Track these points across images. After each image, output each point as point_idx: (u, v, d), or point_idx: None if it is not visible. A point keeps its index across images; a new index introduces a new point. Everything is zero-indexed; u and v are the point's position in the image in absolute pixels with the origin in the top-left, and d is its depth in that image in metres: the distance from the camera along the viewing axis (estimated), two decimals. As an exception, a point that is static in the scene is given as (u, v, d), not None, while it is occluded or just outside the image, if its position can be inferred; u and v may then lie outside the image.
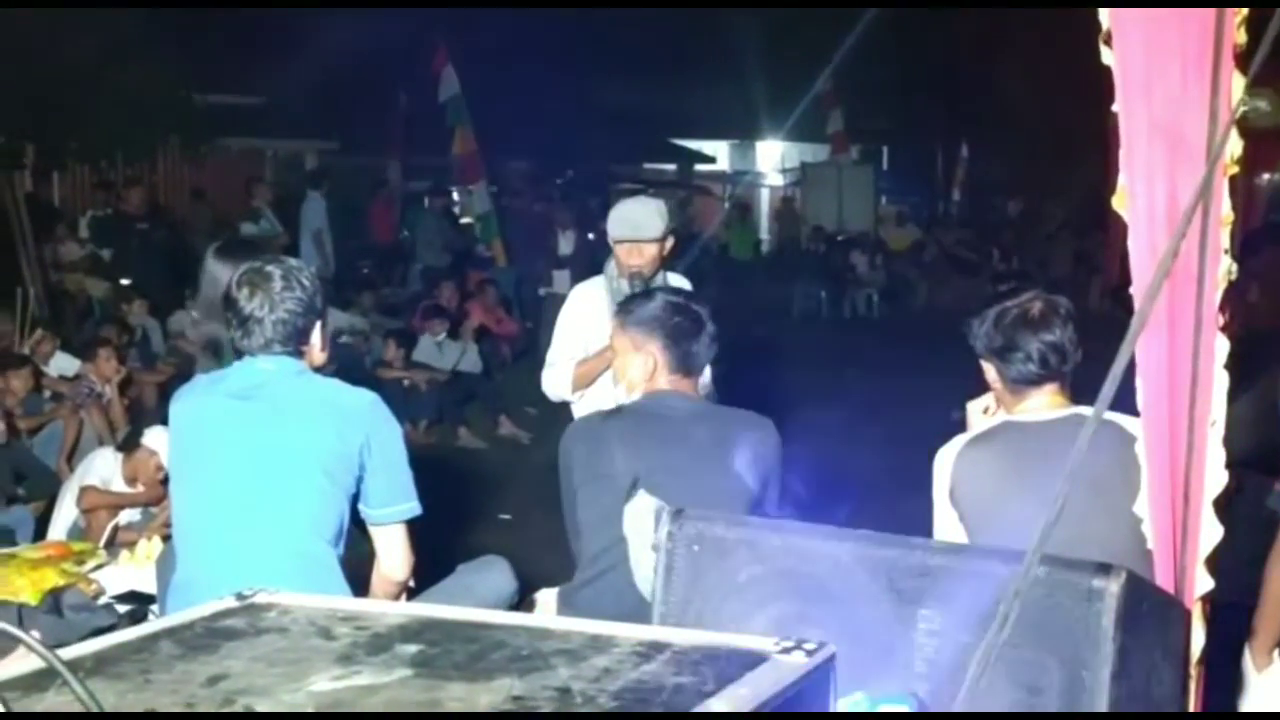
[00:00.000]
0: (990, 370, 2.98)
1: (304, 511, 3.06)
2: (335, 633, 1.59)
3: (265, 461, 3.06)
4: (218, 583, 2.13)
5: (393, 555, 3.20)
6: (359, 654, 1.50)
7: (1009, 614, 1.46)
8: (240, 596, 1.75)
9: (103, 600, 4.32)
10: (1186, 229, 1.93)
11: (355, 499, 3.15)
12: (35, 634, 1.18)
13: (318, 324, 3.21)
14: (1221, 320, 2.29)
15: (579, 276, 14.49)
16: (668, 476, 3.12)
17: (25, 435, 7.09)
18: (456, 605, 3.31)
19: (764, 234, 24.81)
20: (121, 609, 4.26)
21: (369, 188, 16.88)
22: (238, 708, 1.33)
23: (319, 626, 1.62)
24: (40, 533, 6.00)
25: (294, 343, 3.14)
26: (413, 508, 3.19)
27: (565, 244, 13.48)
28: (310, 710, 1.32)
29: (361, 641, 1.55)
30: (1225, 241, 2.26)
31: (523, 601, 3.58)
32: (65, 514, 5.89)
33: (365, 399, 3.18)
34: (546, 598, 3.51)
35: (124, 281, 10.90)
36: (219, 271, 3.98)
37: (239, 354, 3.19)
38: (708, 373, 3.48)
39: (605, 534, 3.19)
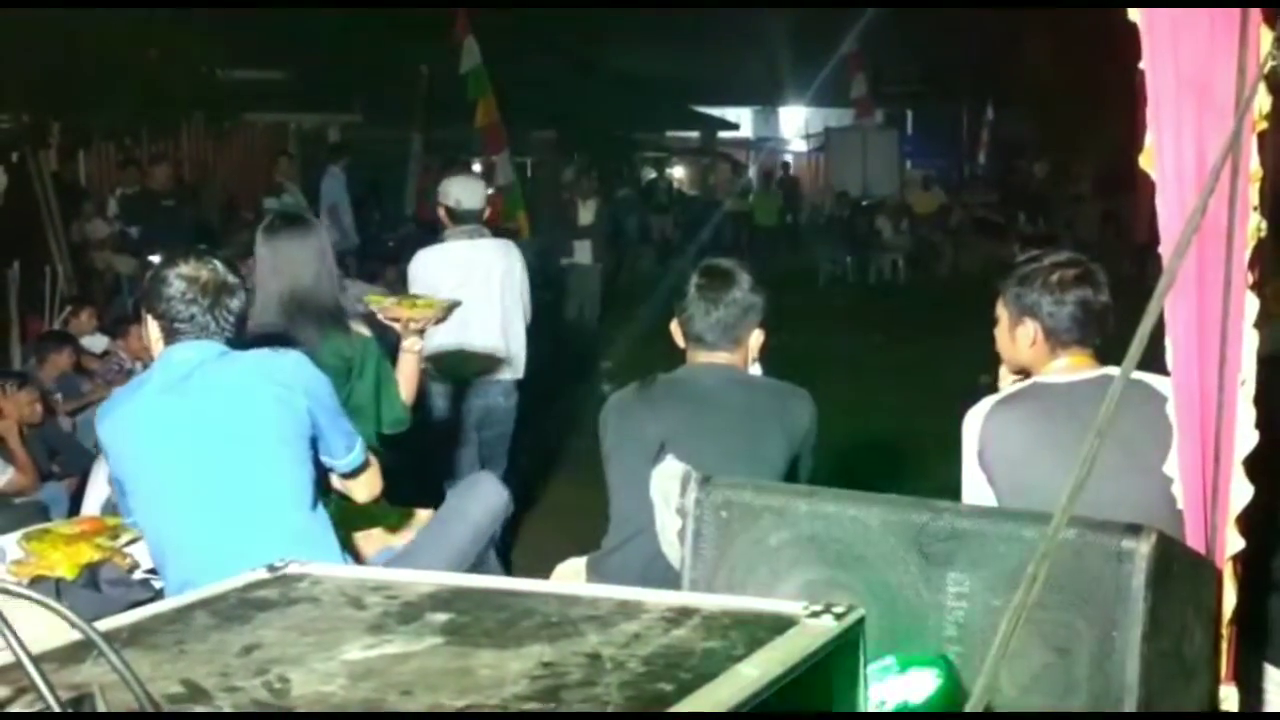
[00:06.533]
0: (1029, 328, 2.93)
1: (277, 488, 3.04)
2: (366, 602, 1.60)
3: (222, 451, 3.01)
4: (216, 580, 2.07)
5: (366, 491, 3.34)
6: (390, 623, 1.51)
7: (1037, 575, 1.46)
8: (272, 568, 1.76)
9: (138, 575, 4.36)
10: (1215, 185, 1.91)
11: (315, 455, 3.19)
12: (64, 605, 1.19)
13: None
14: (1251, 278, 2.27)
15: (599, 247, 14.52)
16: (693, 440, 3.13)
17: (65, 416, 7.13)
18: (453, 531, 3.42)
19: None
20: (157, 584, 4.29)
21: (396, 160, 16.87)
22: (271, 677, 1.34)
23: (350, 596, 1.63)
24: (74, 508, 6.06)
25: (239, 329, 3.14)
26: (362, 443, 3.26)
27: (585, 214, 13.46)
28: (343, 679, 1.34)
29: (392, 610, 1.56)
30: (1254, 198, 2.24)
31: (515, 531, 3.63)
32: (98, 489, 5.93)
33: (290, 359, 3.16)
34: (566, 570, 3.52)
35: (152, 258, 10.95)
36: (288, 246, 4.06)
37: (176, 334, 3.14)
38: (756, 344, 3.45)
39: (633, 497, 3.20)
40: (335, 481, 3.33)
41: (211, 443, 3.01)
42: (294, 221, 4.28)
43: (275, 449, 3.04)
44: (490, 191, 16.58)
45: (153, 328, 3.15)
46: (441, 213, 5.82)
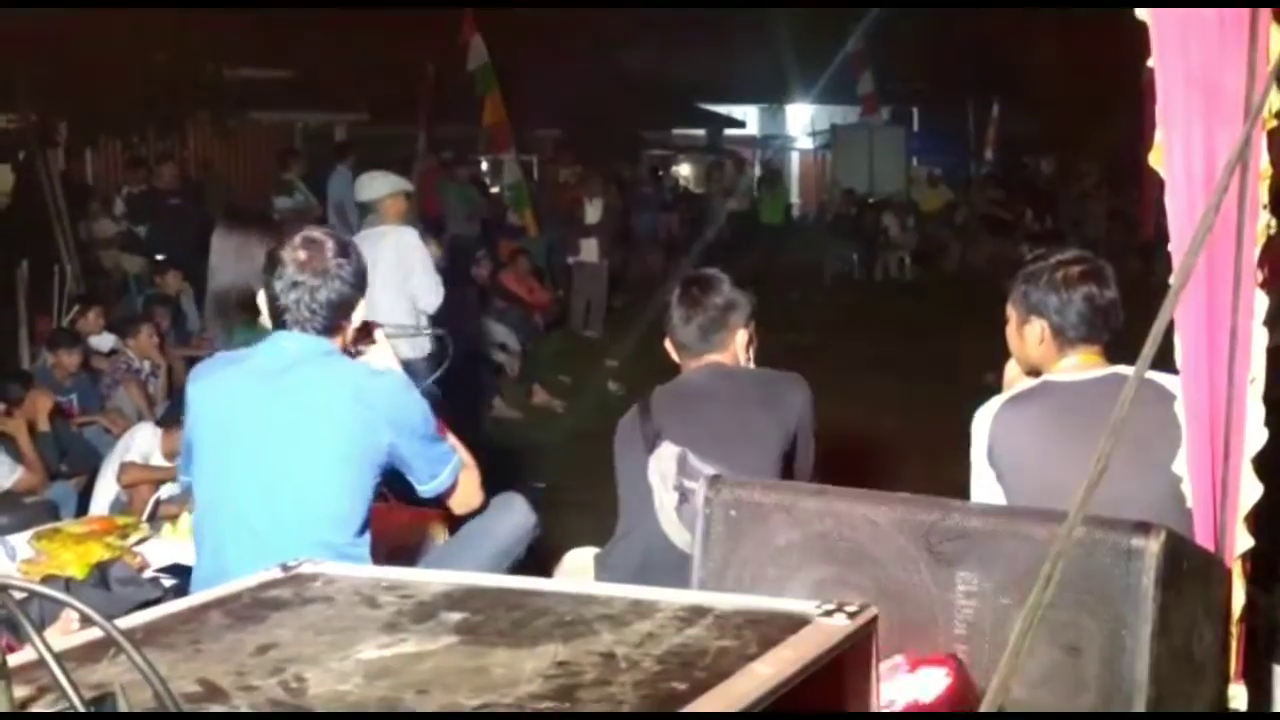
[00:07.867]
0: (1036, 327, 2.94)
1: (326, 505, 2.96)
2: (380, 601, 1.61)
3: (286, 455, 2.94)
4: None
5: (460, 507, 3.26)
6: (404, 622, 1.52)
7: (1051, 575, 1.46)
8: (285, 567, 1.77)
9: (148, 573, 4.37)
10: (1228, 185, 1.91)
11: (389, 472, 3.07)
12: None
13: (361, 301, 3.06)
14: (1260, 276, 2.27)
15: (606, 244, 14.52)
16: (686, 428, 3.24)
17: (75, 427, 7.14)
18: (479, 549, 3.42)
19: (794, 198, 24.70)
20: (167, 582, 4.30)
21: (401, 159, 16.86)
22: (287, 676, 1.35)
23: (364, 596, 1.64)
24: (83, 507, 6.08)
25: (334, 320, 2.99)
26: (456, 463, 3.12)
27: (592, 212, 13.46)
28: (359, 678, 1.34)
29: (406, 610, 1.57)
30: (1264, 196, 2.24)
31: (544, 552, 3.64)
32: (106, 489, 5.96)
33: (387, 384, 3.05)
34: (575, 557, 3.57)
35: (159, 257, 10.97)
36: (217, 242, 4.07)
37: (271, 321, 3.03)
38: (741, 343, 3.50)
39: (634, 493, 3.31)
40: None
41: (280, 443, 2.94)
42: (227, 219, 4.31)
43: (338, 468, 2.95)
44: (495, 190, 16.66)
45: (263, 304, 3.06)
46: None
